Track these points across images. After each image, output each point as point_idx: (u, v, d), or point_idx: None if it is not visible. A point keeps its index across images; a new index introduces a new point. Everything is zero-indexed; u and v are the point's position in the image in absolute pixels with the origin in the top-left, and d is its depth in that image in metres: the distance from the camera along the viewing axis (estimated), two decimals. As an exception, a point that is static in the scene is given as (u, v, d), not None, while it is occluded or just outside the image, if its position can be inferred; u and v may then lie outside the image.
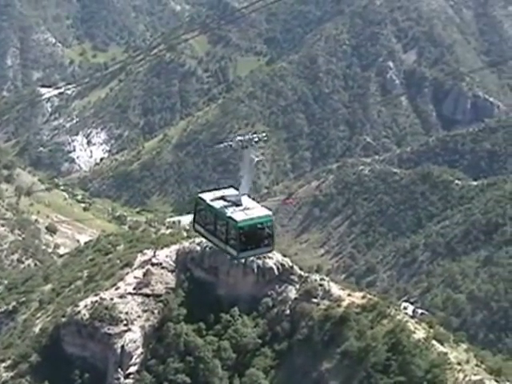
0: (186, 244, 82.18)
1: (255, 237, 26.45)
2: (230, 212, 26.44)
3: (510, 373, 66.63)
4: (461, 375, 62.71)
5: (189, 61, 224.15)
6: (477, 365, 65.02)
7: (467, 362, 64.82)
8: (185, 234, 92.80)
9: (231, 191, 27.72)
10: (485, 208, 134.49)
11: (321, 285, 73.62)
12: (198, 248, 79.63)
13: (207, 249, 78.69)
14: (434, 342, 66.37)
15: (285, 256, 79.47)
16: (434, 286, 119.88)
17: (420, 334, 67.21)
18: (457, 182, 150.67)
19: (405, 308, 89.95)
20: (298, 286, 74.70)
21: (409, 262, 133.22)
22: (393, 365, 64.91)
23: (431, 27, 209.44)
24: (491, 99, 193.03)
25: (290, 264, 77.06)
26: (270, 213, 26.81)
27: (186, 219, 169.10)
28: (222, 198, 27.45)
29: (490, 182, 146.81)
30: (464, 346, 69.48)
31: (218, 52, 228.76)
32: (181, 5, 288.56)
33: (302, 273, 76.35)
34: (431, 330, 68.70)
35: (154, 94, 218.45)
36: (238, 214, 26.27)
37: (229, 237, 26.46)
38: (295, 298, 73.89)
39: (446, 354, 64.81)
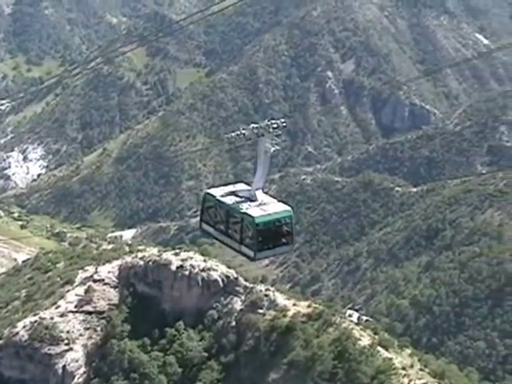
0: (128, 259, 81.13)
1: (274, 235, 24.01)
2: (244, 208, 24.00)
3: (452, 375, 67.94)
4: (406, 380, 63.53)
5: (127, 73, 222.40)
6: (421, 369, 66.03)
7: (411, 366, 65.72)
8: (127, 248, 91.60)
9: (242, 186, 25.46)
10: (425, 214, 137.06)
11: (266, 295, 73.74)
12: (141, 262, 78.74)
13: (150, 263, 77.88)
14: (379, 348, 67.06)
15: (229, 267, 79.22)
16: (377, 293, 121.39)
17: (365, 340, 67.82)
18: (397, 188, 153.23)
19: (350, 315, 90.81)
20: (243, 298, 74.72)
21: (353, 270, 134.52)
22: (339, 373, 65.32)
23: (368, 37, 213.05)
24: (427, 107, 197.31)
25: (235, 275, 76.93)
26: (289, 208, 24.37)
27: (128, 234, 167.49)
28: (234, 193, 25.04)
29: (429, 188, 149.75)
30: (408, 350, 70.41)
31: (156, 64, 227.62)
32: (117, 17, 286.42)
33: (247, 284, 76.37)
34: (376, 337, 69.42)
35: (92, 108, 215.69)
36: (254, 210, 23.83)
37: (244, 236, 24.00)
38: (241, 310, 73.73)
39: (390, 359, 65.58)
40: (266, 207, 24.03)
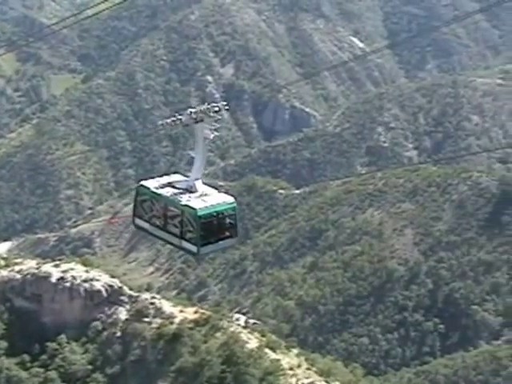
0: (4, 273, 78.18)
1: (217, 228, 23.03)
2: (185, 200, 22.81)
3: (338, 372, 70.08)
4: (293, 380, 64.96)
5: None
6: (308, 368, 67.65)
7: (299, 366, 67.25)
8: (2, 262, 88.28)
9: (178, 177, 24.33)
10: (308, 215, 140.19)
11: (152, 303, 73.24)
12: (18, 276, 76.15)
13: (28, 276, 75.49)
14: (266, 350, 68.18)
15: (113, 277, 78.06)
16: (264, 295, 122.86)
17: (253, 343, 68.76)
18: (280, 191, 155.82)
19: (237, 319, 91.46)
20: (128, 307, 73.74)
21: (239, 274, 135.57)
22: (228, 377, 65.88)
23: (246, 41, 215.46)
24: (307, 109, 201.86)
25: (119, 285, 75.82)
26: (232, 199, 23.62)
27: (3, 247, 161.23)
28: (170, 184, 23.83)
29: (311, 189, 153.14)
30: (295, 351, 72.01)
31: (28, 70, 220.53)
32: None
33: (132, 293, 75.49)
34: (263, 339, 70.53)
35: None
36: (195, 202, 22.71)
37: (185, 230, 22.81)
38: (126, 319, 72.74)
39: (278, 360, 66.81)
40: (208, 198, 23.02)
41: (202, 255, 23.32)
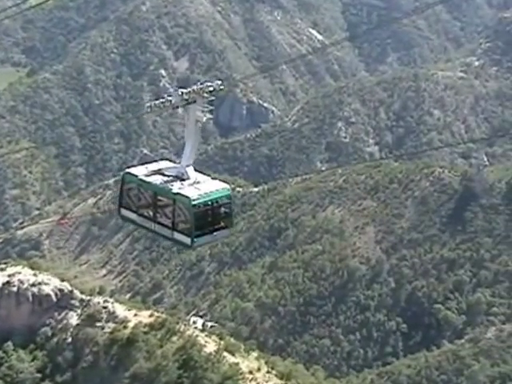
0: None
1: (212, 217, 22.34)
2: (176, 188, 22.16)
3: (299, 375, 70.62)
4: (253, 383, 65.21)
5: None
6: (268, 371, 67.91)
7: (258, 369, 67.50)
8: None
9: (167, 163, 23.79)
10: (267, 214, 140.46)
11: (104, 307, 72.83)
12: (-39, 281, 74.87)
13: (-27, 281, 74.27)
14: (225, 353, 68.25)
15: (63, 280, 77.31)
16: (222, 297, 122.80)
17: (211, 347, 68.81)
18: (238, 189, 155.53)
19: (194, 322, 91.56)
20: (79, 311, 73.26)
21: (196, 275, 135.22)
22: (185, 382, 65.87)
23: (201, 33, 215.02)
24: (265, 104, 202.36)
25: (70, 288, 75.12)
26: (227, 186, 23.03)
27: None
28: (159, 172, 23.20)
29: (270, 187, 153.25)
30: (255, 354, 72.22)
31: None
32: None
33: (84, 296, 74.96)
34: (222, 342, 70.59)
35: None
36: (188, 190, 22.10)
37: (177, 220, 22.12)
38: (77, 325, 72.16)
39: (237, 364, 66.98)
40: (201, 186, 22.42)
41: (196, 247, 22.92)
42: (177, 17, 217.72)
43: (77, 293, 75.30)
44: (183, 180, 22.73)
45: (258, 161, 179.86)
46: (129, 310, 74.66)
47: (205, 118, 22.84)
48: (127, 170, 24.00)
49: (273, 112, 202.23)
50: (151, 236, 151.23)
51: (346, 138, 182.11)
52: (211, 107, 22.76)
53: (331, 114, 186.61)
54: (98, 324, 71.43)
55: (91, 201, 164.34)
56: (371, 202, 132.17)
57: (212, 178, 23.18)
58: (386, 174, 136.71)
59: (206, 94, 22.45)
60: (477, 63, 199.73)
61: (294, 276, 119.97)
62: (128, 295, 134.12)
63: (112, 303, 74.54)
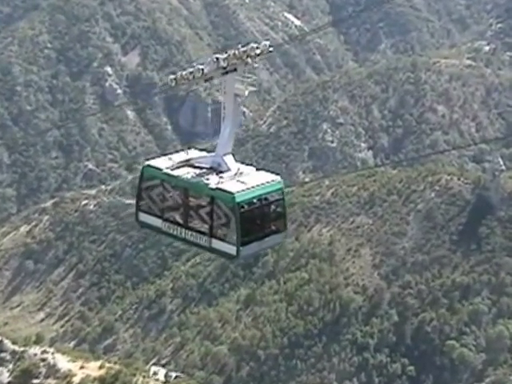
0: None
1: (261, 219, 21.44)
2: (214, 182, 21.11)
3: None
4: None
5: None
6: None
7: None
8: None
9: (197, 153, 22.88)
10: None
11: (43, 360, 72.42)
12: None
13: None
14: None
15: (-10, 327, 76.57)
16: (188, 341, 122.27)
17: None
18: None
19: (155, 373, 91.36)
20: (11, 366, 72.81)
21: (156, 314, 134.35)
22: None
23: (154, 22, 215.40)
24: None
25: (-1, 338, 74.80)
26: (278, 178, 22.21)
27: None
28: (188, 163, 22.33)
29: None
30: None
31: None
32: None
33: (16, 347, 74.70)
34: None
35: None
36: (230, 184, 21.05)
37: (217, 224, 21.12)
38: (9, 383, 71.40)
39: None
40: (246, 179, 21.44)
41: (243, 258, 21.73)
42: (124, 3, 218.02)
43: (7, 343, 74.86)
44: (221, 172, 21.71)
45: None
46: (73, 361, 74.34)
47: (247, 92, 21.58)
48: (147, 163, 23.17)
49: (244, 113, 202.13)
50: (100, 269, 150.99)
51: (332, 142, 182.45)
52: (254, 77, 21.69)
53: (314, 114, 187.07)
54: (35, 381, 70.90)
55: (24, 229, 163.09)
56: (366, 218, 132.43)
57: (257, 169, 22.27)
58: (382, 184, 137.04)
59: (249, 60, 21.09)
60: (487, 48, 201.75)
61: (276, 311, 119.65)
62: (72, 343, 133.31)
63: (52, 354, 73.96)
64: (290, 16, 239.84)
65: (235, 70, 21.22)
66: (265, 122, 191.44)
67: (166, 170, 22.21)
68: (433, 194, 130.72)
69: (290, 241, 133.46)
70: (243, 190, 20.88)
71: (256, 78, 21.74)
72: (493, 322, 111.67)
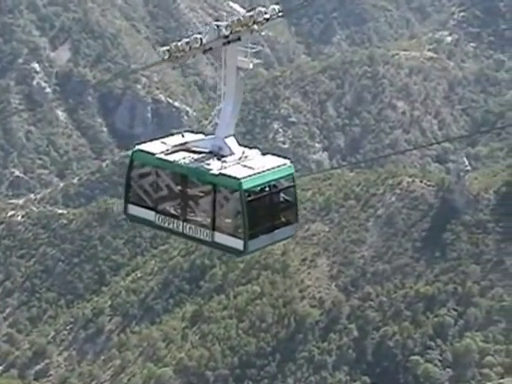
0: None
1: (270, 208, 20.68)
2: (216, 167, 20.25)
3: None
4: None
5: None
6: None
7: None
8: None
9: (194, 136, 22.04)
10: (186, 248, 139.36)
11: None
12: None
13: None
14: None
15: None
16: (129, 363, 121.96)
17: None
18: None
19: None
20: None
21: (93, 335, 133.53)
22: None
23: (86, 13, 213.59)
24: (176, 103, 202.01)
25: None
26: (288, 162, 21.25)
27: None
28: (184, 147, 21.44)
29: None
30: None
31: None
32: None
33: None
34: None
35: None
36: (235, 169, 20.22)
37: (220, 215, 20.34)
38: None
39: None
40: (252, 163, 20.56)
41: (250, 253, 20.81)
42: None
43: None
44: (223, 157, 20.90)
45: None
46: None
47: (251, 64, 20.97)
48: (138, 147, 21.97)
49: (187, 113, 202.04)
50: (29, 287, 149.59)
51: (284, 143, 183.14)
52: (259, 47, 21.08)
53: (264, 112, 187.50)
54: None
55: None
56: (322, 225, 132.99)
57: (262, 153, 21.45)
58: (339, 187, 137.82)
59: (255, 27, 20.24)
60: (449, 39, 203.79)
61: (225, 328, 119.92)
62: (0, 368, 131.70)
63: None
64: (235, 5, 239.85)
65: (239, 39, 20.52)
66: (210, 122, 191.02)
67: (159, 155, 21.20)
68: (393, 198, 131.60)
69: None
70: (250, 176, 20.05)
71: (261, 48, 21.29)
72: (459, 334, 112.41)
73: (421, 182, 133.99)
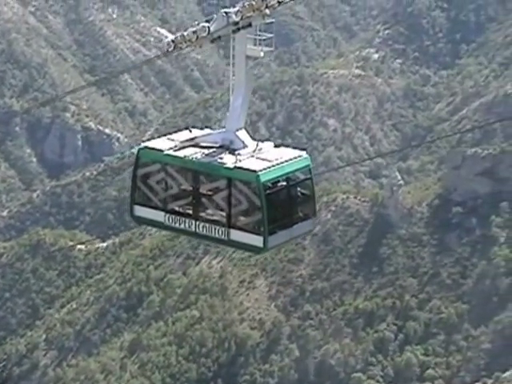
0: None
1: (288, 202, 19.92)
2: (231, 161, 19.40)
3: None
4: None
5: None
6: None
7: None
8: None
9: (201, 131, 21.11)
10: (122, 275, 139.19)
11: None
12: None
13: None
14: None
15: None
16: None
17: None
18: (79, 246, 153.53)
19: None
20: None
21: (27, 371, 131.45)
22: None
23: (10, 43, 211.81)
24: (107, 130, 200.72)
25: None
26: (305, 154, 20.52)
27: None
28: (193, 141, 20.56)
29: (123, 239, 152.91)
30: None
31: None
32: None
33: None
34: None
35: None
36: (250, 162, 19.43)
37: (237, 211, 19.44)
38: None
39: None
40: (268, 155, 19.88)
41: (270, 249, 19.91)
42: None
43: None
44: (235, 150, 19.99)
45: (103, 206, 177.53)
46: None
47: (262, 53, 20.16)
48: (144, 145, 21.13)
49: (118, 139, 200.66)
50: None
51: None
52: (270, 35, 20.28)
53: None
54: None
55: None
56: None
57: (275, 146, 20.77)
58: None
59: (267, 11, 19.25)
60: (376, 56, 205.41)
61: (165, 356, 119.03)
62: None
63: None
64: (163, 31, 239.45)
65: (249, 25, 19.56)
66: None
67: (168, 152, 20.34)
68: (329, 215, 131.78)
69: (176, 276, 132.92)
70: (268, 168, 19.34)
71: (272, 35, 20.33)
72: (400, 349, 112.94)
73: (355, 198, 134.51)
